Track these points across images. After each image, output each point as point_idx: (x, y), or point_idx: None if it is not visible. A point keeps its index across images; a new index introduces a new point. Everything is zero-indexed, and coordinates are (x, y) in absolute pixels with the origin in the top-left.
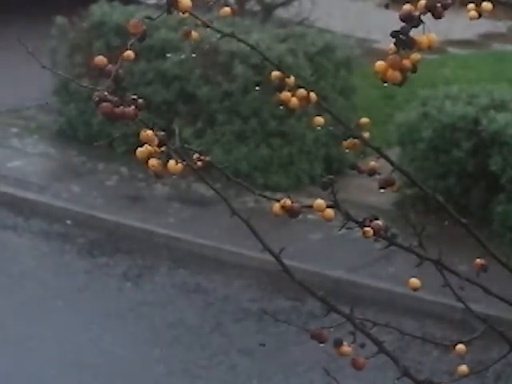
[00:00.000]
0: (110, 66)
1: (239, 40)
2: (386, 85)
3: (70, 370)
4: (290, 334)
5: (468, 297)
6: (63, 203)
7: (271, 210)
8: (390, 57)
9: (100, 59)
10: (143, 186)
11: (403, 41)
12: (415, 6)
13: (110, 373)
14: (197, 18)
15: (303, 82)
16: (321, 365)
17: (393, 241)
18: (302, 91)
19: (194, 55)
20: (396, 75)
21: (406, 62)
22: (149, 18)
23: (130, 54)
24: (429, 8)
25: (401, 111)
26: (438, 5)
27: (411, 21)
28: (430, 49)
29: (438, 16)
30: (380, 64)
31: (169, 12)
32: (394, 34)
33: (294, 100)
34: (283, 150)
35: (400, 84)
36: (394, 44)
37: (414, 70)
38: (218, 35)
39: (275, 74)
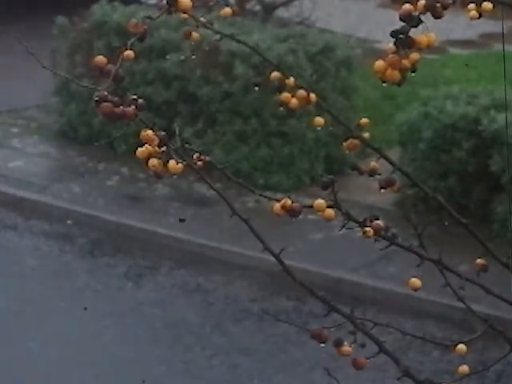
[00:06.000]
0: (109, 65)
1: (238, 41)
2: (385, 84)
3: (70, 369)
4: (291, 334)
5: (468, 297)
6: (64, 203)
7: (272, 210)
8: (390, 56)
9: (100, 59)
10: (144, 186)
11: (402, 40)
12: (415, 6)
13: (109, 373)
14: (196, 19)
15: (303, 82)
16: (321, 365)
17: (393, 241)
18: (301, 92)
19: (194, 56)
20: (395, 75)
21: (405, 62)
22: (149, 17)
23: (129, 53)
24: (428, 8)
25: (401, 111)
26: (438, 5)
27: (411, 20)
28: (430, 48)
29: (437, 16)
30: (379, 63)
31: (169, 12)
32: (394, 34)
33: (294, 101)
34: (284, 150)
35: (399, 84)
36: (394, 43)
37: (413, 69)
38: (219, 36)
39: (275, 74)
